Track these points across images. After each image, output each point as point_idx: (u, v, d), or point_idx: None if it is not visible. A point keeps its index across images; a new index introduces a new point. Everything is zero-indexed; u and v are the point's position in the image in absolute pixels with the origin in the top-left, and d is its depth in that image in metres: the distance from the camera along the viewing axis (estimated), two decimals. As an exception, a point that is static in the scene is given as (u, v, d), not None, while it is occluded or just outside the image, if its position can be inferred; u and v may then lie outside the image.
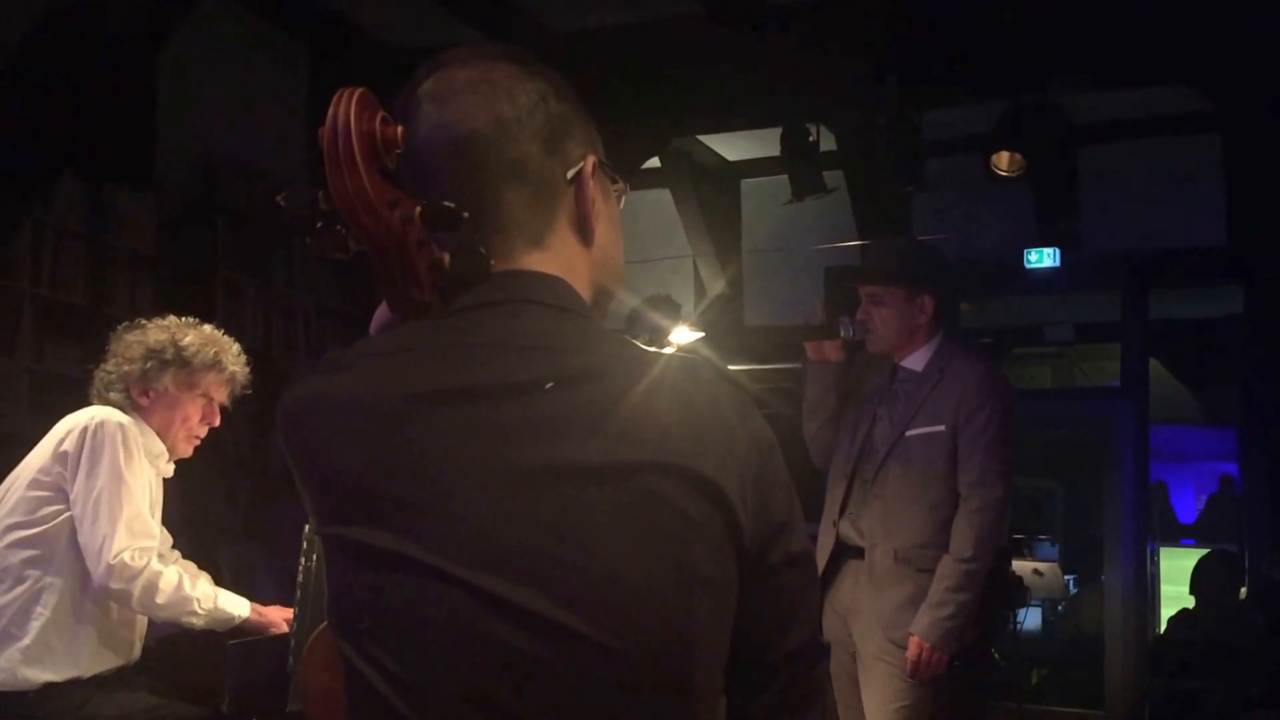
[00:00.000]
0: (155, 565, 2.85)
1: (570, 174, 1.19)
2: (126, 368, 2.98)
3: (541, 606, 1.05)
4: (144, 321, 3.06)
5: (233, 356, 3.08)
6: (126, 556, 2.78)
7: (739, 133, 7.20)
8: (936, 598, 3.19)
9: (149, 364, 2.97)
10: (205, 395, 3.05)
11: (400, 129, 1.27)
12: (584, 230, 1.21)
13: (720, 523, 1.10)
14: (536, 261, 1.18)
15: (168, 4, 4.75)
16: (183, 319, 3.09)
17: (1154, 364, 7.56)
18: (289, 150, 5.95)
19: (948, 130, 6.79)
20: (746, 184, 8.05)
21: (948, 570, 3.21)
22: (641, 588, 1.07)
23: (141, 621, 3.03)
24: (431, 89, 1.18)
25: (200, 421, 3.08)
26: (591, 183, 1.21)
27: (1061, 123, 6.65)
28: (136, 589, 2.81)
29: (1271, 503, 6.67)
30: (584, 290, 1.21)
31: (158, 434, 3.02)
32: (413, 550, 1.06)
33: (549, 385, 1.10)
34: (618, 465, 1.08)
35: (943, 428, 3.25)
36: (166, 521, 3.26)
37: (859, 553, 3.35)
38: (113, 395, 2.97)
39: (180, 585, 2.88)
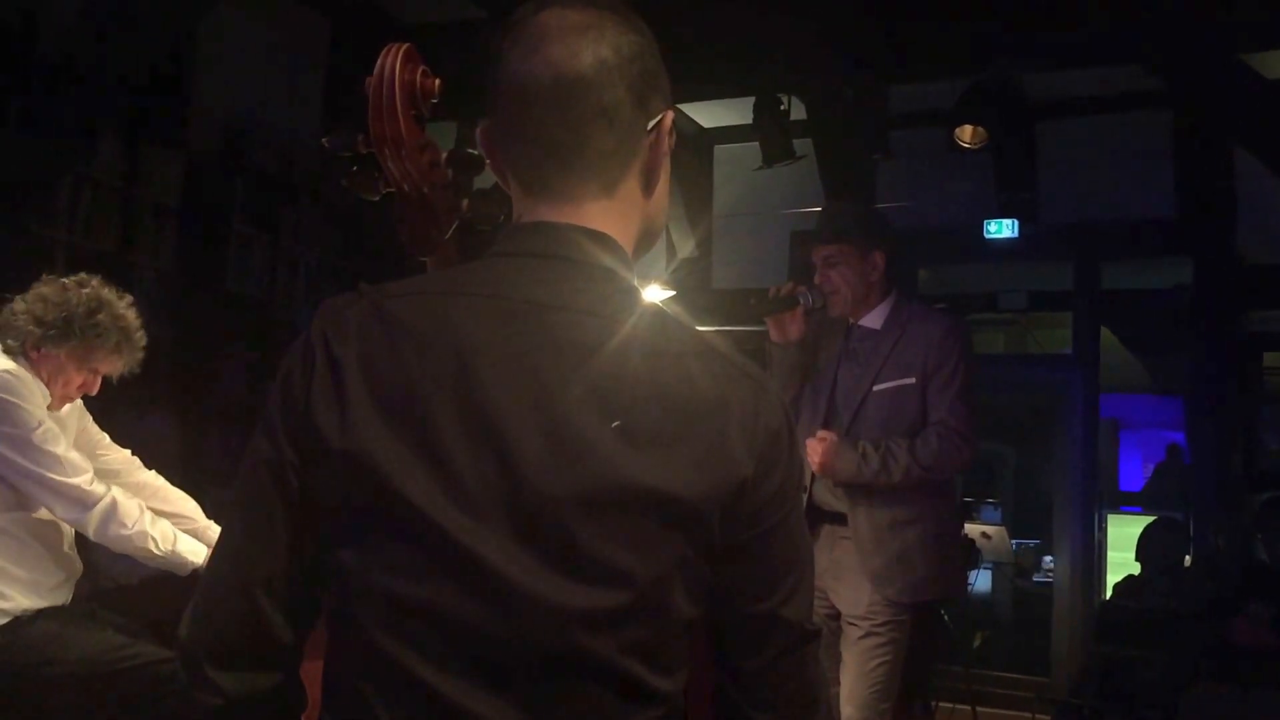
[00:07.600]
0: (114, 494, 2.87)
1: (651, 125, 1.21)
2: (32, 326, 2.92)
3: (517, 576, 1.05)
4: (65, 281, 3.00)
5: (134, 343, 3.03)
6: (83, 487, 2.82)
7: (714, 101, 7.26)
8: (875, 457, 3.20)
9: (52, 331, 2.91)
10: (94, 371, 3.00)
11: (437, 81, 1.38)
12: (650, 180, 1.23)
13: (707, 503, 1.10)
14: (601, 211, 1.19)
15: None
16: (108, 286, 3.02)
17: (1105, 333, 7.56)
18: (308, 116, 6.27)
19: (913, 103, 6.89)
20: (719, 149, 8.10)
21: (899, 454, 3.20)
22: (617, 572, 1.07)
23: (67, 561, 3.02)
24: (541, 25, 1.17)
25: (78, 388, 3.01)
26: (666, 136, 1.23)
27: (1021, 99, 6.77)
28: (94, 517, 2.84)
29: (1217, 471, 6.70)
30: (633, 236, 1.23)
31: None
32: (409, 489, 1.06)
33: (582, 350, 1.11)
34: (612, 444, 1.07)
35: (913, 380, 3.27)
36: (161, 460, 3.39)
37: (835, 518, 3.34)
38: (9, 341, 2.93)
39: (140, 519, 2.89)
